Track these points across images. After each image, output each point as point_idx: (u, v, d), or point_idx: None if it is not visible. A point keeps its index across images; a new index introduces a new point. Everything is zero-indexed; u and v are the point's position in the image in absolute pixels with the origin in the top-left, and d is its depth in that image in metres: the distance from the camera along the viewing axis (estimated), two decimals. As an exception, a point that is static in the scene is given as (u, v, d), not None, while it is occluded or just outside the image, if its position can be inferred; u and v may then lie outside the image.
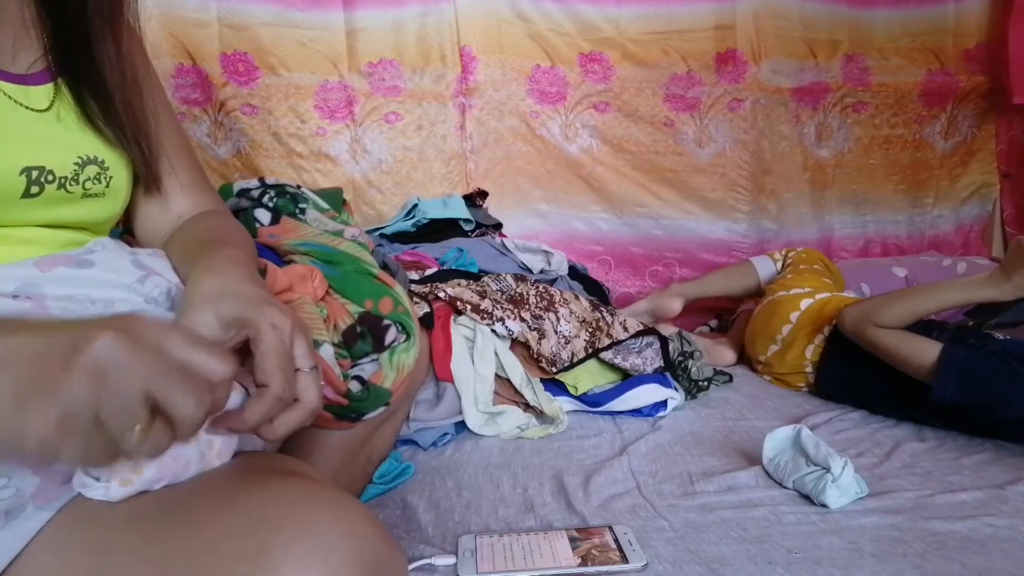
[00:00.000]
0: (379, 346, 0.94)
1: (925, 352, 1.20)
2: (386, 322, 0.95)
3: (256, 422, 0.48)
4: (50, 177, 0.59)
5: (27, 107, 0.59)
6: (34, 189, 0.58)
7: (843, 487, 0.95)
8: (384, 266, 1.15)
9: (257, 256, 0.75)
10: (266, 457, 0.57)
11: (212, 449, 0.49)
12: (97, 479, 0.45)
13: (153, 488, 0.47)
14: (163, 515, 0.45)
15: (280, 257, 1.03)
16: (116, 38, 0.64)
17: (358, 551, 0.42)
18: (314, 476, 0.51)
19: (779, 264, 1.82)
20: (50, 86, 0.62)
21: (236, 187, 1.26)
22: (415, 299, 1.28)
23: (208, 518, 0.43)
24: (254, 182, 1.27)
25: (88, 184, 0.62)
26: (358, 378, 0.90)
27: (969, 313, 1.33)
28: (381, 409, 0.91)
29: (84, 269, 0.60)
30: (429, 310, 1.26)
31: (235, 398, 0.50)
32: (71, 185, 0.61)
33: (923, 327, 1.37)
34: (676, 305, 1.79)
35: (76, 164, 0.61)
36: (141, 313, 0.57)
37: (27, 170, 0.58)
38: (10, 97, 0.59)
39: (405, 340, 0.97)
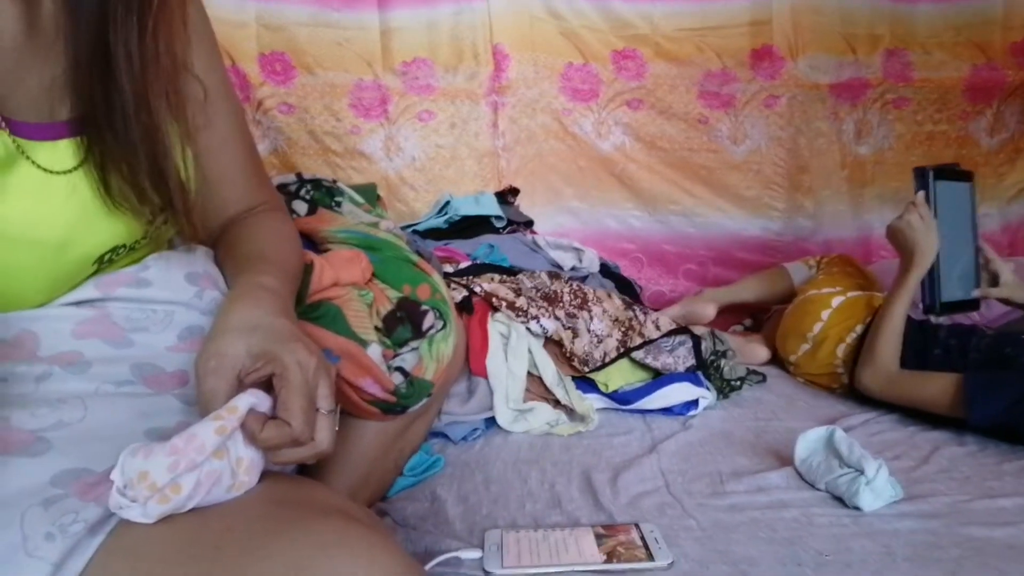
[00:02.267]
0: (417, 332, 0.95)
1: (945, 388, 1.19)
2: (424, 307, 0.96)
3: (266, 447, 0.50)
4: (121, 251, 0.58)
5: (51, 171, 0.53)
6: (103, 266, 0.57)
7: (877, 490, 0.93)
8: (419, 255, 1.17)
9: (301, 269, 0.74)
10: (299, 486, 0.56)
11: (240, 466, 0.49)
12: (133, 500, 0.45)
13: (187, 507, 0.47)
14: (199, 552, 0.45)
15: (317, 245, 1.05)
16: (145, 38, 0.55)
17: None
18: (348, 510, 0.51)
19: (813, 270, 1.79)
20: (78, 139, 0.55)
21: (274, 182, 1.28)
22: (452, 286, 1.28)
23: (242, 564, 0.43)
24: (291, 177, 1.30)
25: (155, 233, 0.61)
26: (400, 369, 0.92)
27: (927, 309, 1.38)
28: (424, 401, 0.92)
29: (143, 289, 0.61)
30: (467, 294, 1.27)
31: (267, 403, 0.51)
32: (140, 243, 0.60)
33: (962, 334, 1.34)
34: (710, 311, 1.78)
35: (148, 221, 0.59)
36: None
37: (100, 257, 0.56)
38: (43, 168, 0.52)
39: (442, 328, 0.98)
